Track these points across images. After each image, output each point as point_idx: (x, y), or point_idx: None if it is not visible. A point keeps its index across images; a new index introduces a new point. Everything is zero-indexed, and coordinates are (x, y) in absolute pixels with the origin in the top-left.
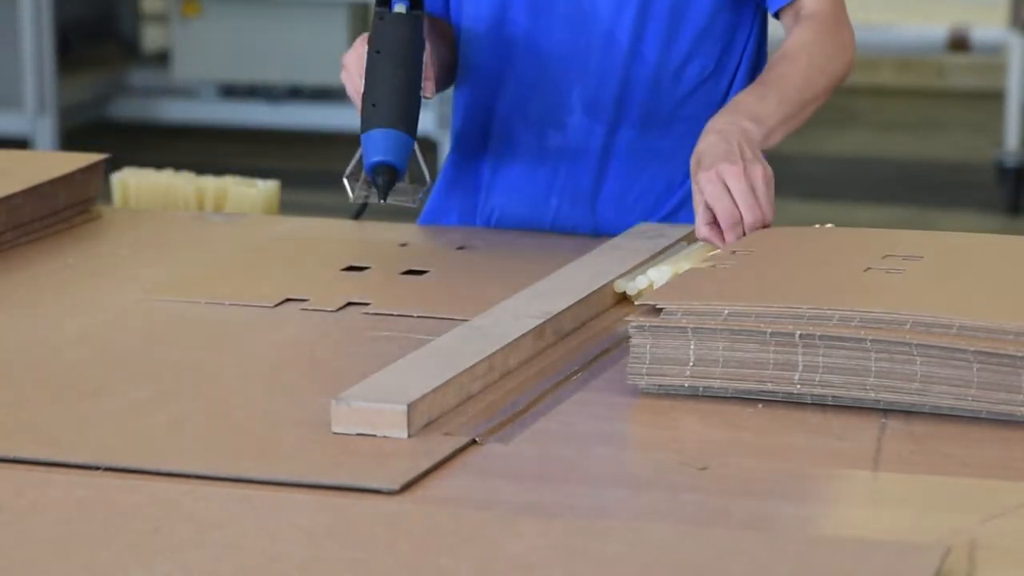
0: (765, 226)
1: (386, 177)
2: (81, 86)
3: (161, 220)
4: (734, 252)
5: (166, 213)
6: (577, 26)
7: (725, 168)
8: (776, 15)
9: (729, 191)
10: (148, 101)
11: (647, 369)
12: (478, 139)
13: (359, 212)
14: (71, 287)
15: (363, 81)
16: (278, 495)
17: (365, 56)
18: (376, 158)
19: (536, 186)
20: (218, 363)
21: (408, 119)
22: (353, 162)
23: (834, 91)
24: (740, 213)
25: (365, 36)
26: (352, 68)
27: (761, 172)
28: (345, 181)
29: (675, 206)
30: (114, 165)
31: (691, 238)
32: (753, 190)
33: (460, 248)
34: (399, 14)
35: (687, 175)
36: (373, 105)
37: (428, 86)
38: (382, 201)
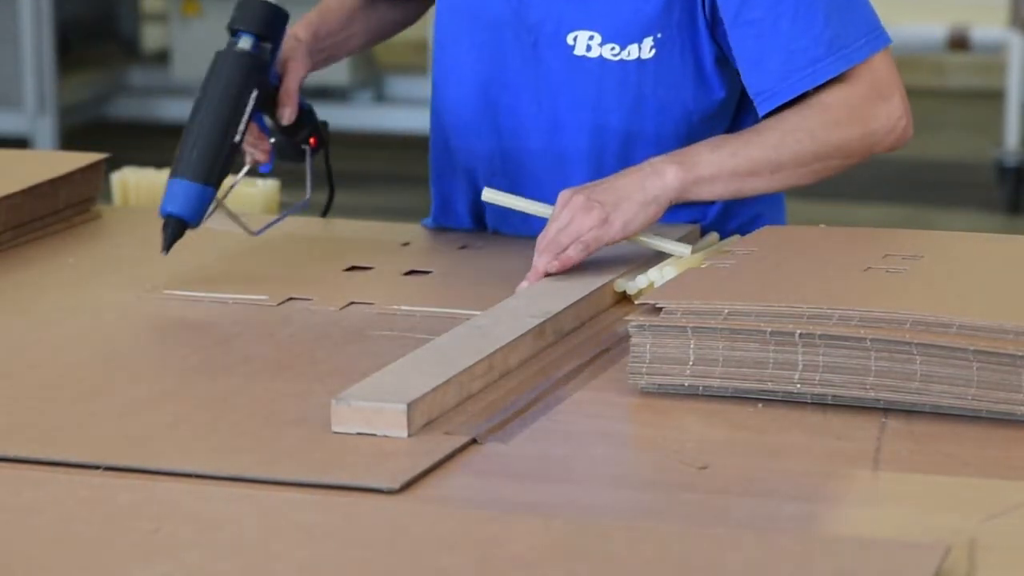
0: (549, 274)
1: (175, 229)
2: (81, 86)
3: (161, 220)
4: (734, 252)
5: None
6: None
7: (576, 201)
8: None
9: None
10: (148, 101)
11: (647, 368)
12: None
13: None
14: (71, 287)
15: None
16: (278, 494)
17: None
18: (169, 209)
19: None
20: (218, 362)
21: (210, 171)
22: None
23: (852, 159)
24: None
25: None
26: None
27: (591, 230)
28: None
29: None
30: (114, 164)
31: (691, 238)
32: (574, 236)
33: (462, 247)
34: (235, 52)
35: None
36: (181, 151)
37: (285, 113)
38: (164, 252)
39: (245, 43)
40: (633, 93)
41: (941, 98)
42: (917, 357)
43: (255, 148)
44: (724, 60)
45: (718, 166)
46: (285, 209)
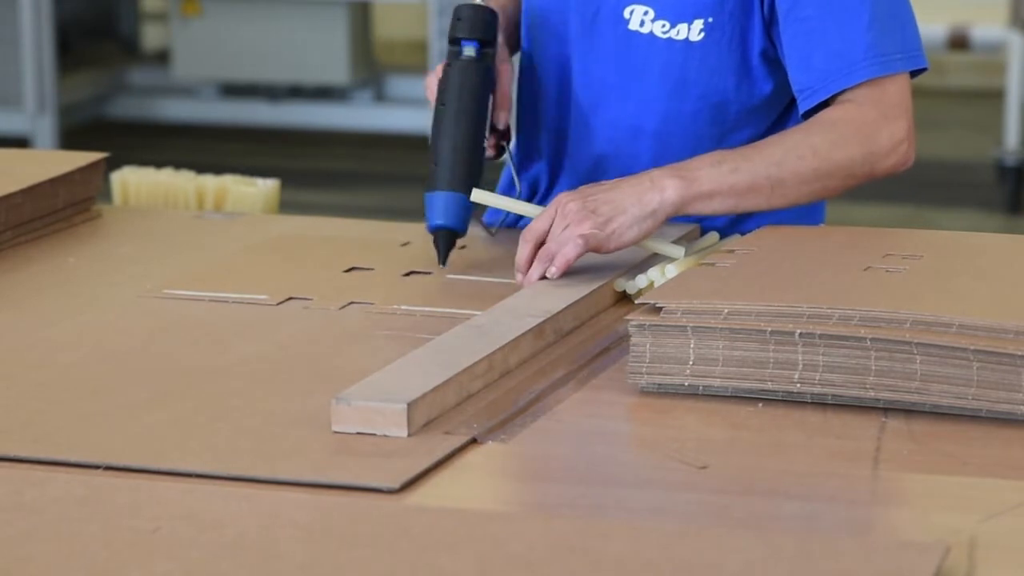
0: (543, 278)
1: (446, 240)
2: (81, 85)
3: (161, 219)
4: (734, 252)
5: (166, 212)
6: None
7: (571, 209)
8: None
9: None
10: (148, 100)
11: (647, 368)
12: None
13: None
14: (71, 286)
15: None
16: (278, 494)
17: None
18: (437, 222)
19: None
20: (218, 362)
21: (468, 178)
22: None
23: (853, 179)
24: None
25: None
26: (432, 88)
27: (581, 237)
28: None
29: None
30: (114, 164)
31: (691, 238)
32: (564, 243)
33: (462, 247)
34: (467, 60)
35: None
36: (435, 164)
37: (502, 116)
38: (442, 264)
39: (470, 51)
40: (677, 73)
41: (941, 98)
42: (917, 357)
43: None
44: (770, 56)
45: (718, 181)
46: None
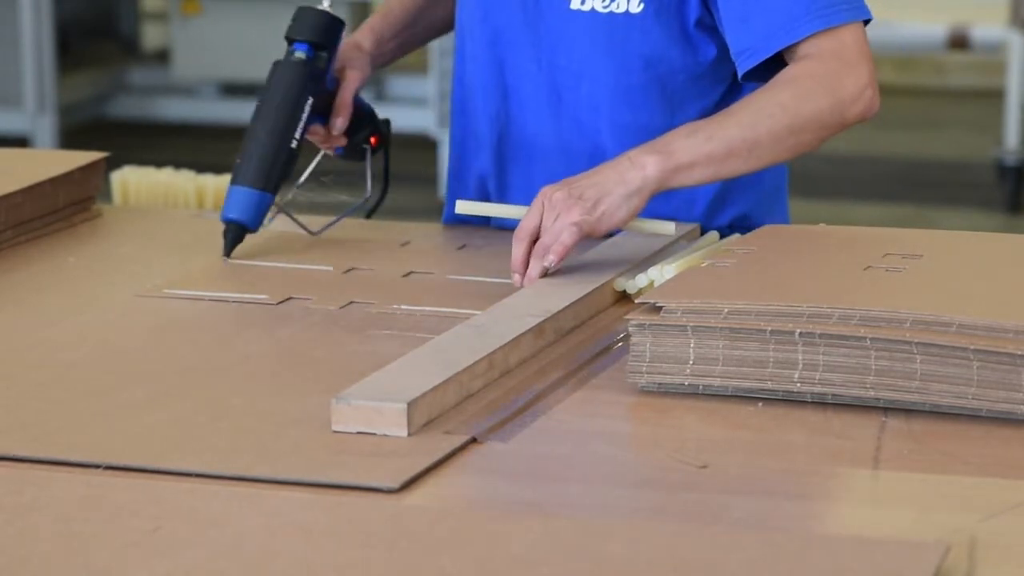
0: (545, 273)
1: (235, 234)
2: (81, 85)
3: (161, 218)
4: (734, 251)
5: (166, 211)
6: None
7: (558, 198)
8: (745, 78)
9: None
10: (148, 99)
11: (647, 367)
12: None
13: (370, 212)
14: (71, 286)
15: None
16: (278, 493)
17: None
18: (230, 215)
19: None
20: (218, 362)
21: (268, 178)
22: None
23: (826, 131)
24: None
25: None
26: None
27: (574, 224)
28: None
29: (706, 207)
30: (114, 163)
31: (692, 238)
32: (558, 233)
33: (461, 247)
34: (292, 62)
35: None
36: (239, 159)
37: (338, 122)
38: (225, 256)
39: (300, 53)
40: (621, 47)
41: (941, 98)
42: (917, 356)
43: (327, 144)
44: (707, 24)
45: (695, 151)
46: (343, 209)
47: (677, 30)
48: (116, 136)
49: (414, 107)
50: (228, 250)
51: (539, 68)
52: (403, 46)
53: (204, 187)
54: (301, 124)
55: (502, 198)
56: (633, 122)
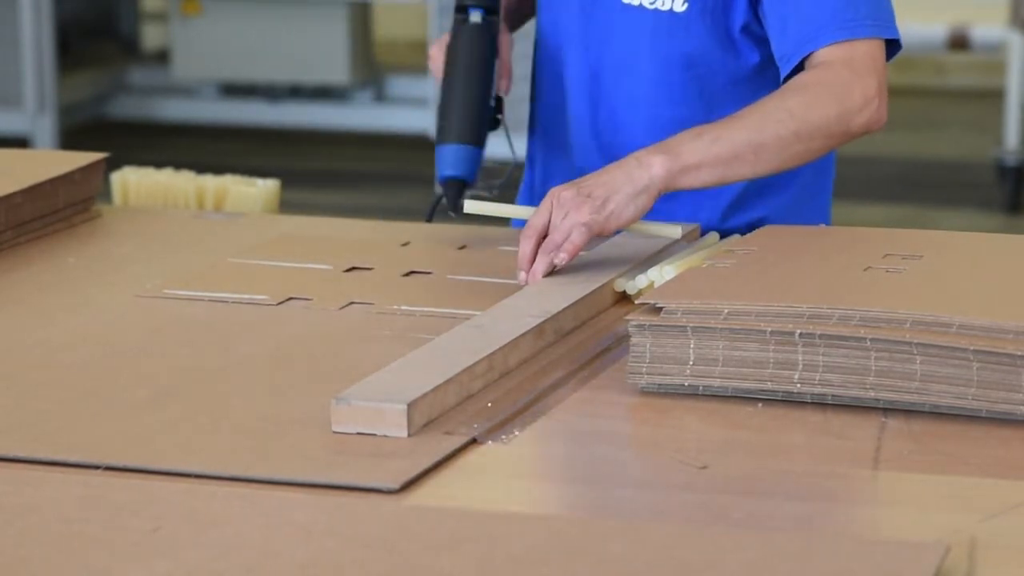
0: (555, 266)
1: (455, 189)
2: (81, 85)
3: (161, 219)
4: (734, 252)
5: (166, 212)
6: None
7: (566, 197)
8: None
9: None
10: (148, 100)
11: (647, 368)
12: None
13: (431, 213)
14: (71, 286)
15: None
16: (278, 494)
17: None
18: (447, 172)
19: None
20: (218, 363)
21: (476, 132)
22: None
23: (832, 139)
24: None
25: (447, 36)
26: (436, 59)
27: (583, 224)
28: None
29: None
30: (114, 164)
31: (692, 238)
32: (568, 231)
33: (461, 247)
34: (474, 25)
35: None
36: (444, 120)
37: (503, 84)
38: (452, 213)
39: (477, 17)
40: (664, 44)
41: (941, 98)
42: (917, 357)
43: None
44: (753, 30)
45: (702, 152)
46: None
47: (721, 32)
48: (116, 136)
49: (414, 107)
50: (452, 205)
51: (586, 59)
52: (523, 17)
53: (204, 187)
54: (493, 87)
55: (545, 185)
56: (670, 120)
